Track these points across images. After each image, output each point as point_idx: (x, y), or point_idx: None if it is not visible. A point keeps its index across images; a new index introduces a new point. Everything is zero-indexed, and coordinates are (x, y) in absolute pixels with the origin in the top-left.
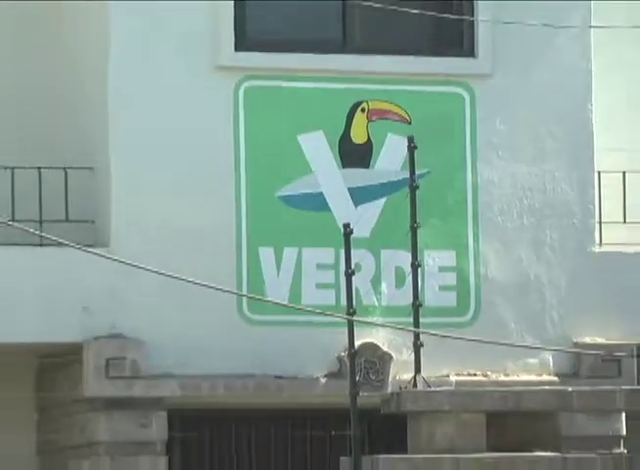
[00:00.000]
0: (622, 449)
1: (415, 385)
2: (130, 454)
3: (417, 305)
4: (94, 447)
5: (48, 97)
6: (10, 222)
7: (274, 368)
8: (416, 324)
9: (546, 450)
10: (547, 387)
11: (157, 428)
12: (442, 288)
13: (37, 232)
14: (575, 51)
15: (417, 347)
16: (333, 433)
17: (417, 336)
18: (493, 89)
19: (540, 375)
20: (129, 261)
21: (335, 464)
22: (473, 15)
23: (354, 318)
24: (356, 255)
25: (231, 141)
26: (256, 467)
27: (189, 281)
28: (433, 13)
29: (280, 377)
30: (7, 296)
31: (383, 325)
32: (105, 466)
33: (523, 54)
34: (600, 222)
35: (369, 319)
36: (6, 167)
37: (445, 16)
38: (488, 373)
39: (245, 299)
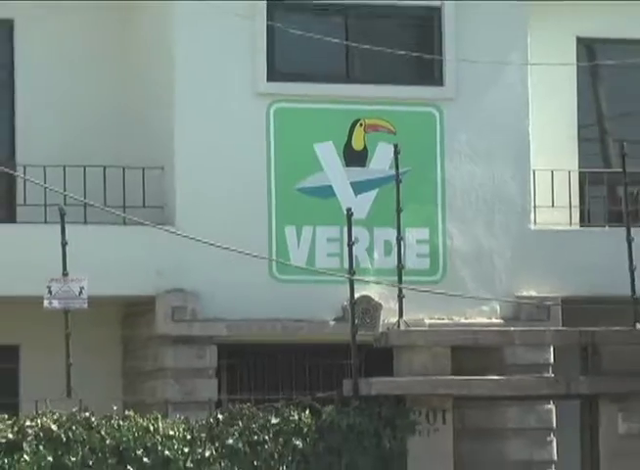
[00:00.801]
0: (550, 373)
1: (399, 326)
2: (189, 377)
3: (400, 268)
4: (163, 372)
5: (131, 115)
6: (103, 207)
7: (295, 314)
8: (399, 281)
9: (494, 375)
10: (495, 327)
11: (209, 358)
12: (419, 255)
13: (123, 215)
14: (517, 81)
15: (400, 298)
16: (339, 362)
17: (400, 290)
18: (456, 109)
19: (490, 319)
20: (190, 236)
21: (339, 385)
22: (441, 55)
23: (354, 277)
24: (355, 231)
25: (264, 148)
26: (281, 387)
27: (233, 250)
28: (413, 53)
29: (299, 320)
30: (101, 262)
31: (375, 282)
32: (171, 387)
33: (478, 83)
34: (534, 207)
35: (365, 278)
36: (99, 166)
37: (421, 55)
38: (453, 317)
39: (274, 263)
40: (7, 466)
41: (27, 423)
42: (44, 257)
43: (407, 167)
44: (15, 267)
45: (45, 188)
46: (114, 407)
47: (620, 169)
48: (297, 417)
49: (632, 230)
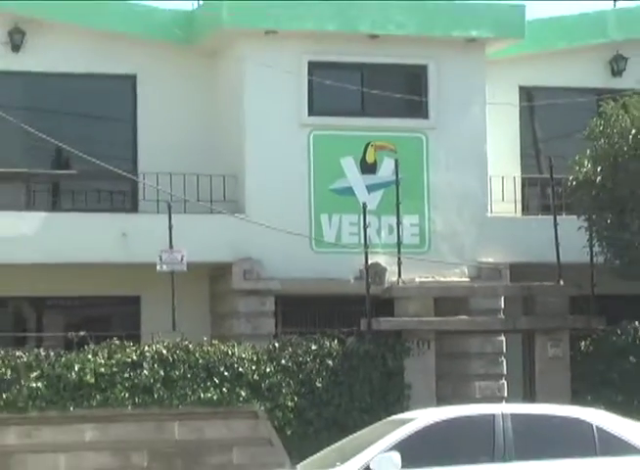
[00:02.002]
0: (501, 315)
1: (398, 283)
2: (255, 318)
3: (399, 243)
4: (237, 314)
5: (216, 139)
6: (197, 201)
7: (326, 275)
8: (399, 252)
9: (463, 316)
10: (464, 284)
11: (268, 304)
12: (412, 235)
13: (210, 207)
14: (479, 116)
15: (399, 264)
16: (357, 308)
17: (399, 258)
18: (437, 135)
19: (461, 278)
20: (255, 221)
21: (358, 323)
22: (427, 97)
23: (368, 250)
24: (368, 218)
25: (306, 161)
26: (318, 324)
27: (284, 231)
28: (408, 96)
29: (330, 279)
30: (196, 239)
31: (382, 253)
32: (243, 324)
33: (452, 117)
34: (491, 202)
35: (375, 250)
36: (195, 173)
37: (413, 97)
38: (435, 277)
39: (313, 240)
40: (133, 378)
41: (146, 348)
42: (157, 235)
43: (403, 175)
44: (137, 243)
45: (157, 189)
46: (205, 338)
47: (549, 176)
48: (328, 345)
49: (557, 218)
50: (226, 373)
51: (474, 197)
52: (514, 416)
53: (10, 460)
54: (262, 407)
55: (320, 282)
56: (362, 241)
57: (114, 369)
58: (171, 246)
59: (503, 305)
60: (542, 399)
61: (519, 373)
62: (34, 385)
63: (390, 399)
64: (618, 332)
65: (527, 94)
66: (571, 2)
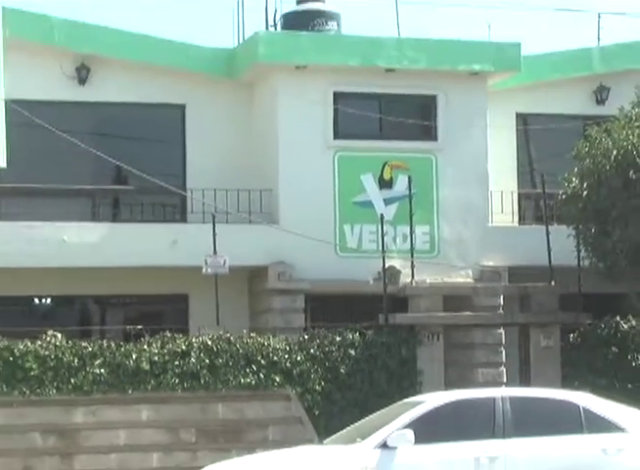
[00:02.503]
0: (501, 311)
1: (411, 284)
2: (288, 313)
3: (412, 249)
4: (272, 310)
5: (254, 158)
6: (238, 213)
7: (349, 276)
8: (412, 257)
9: (468, 312)
10: (468, 285)
11: (299, 302)
12: (423, 242)
13: (249, 217)
14: (481, 138)
15: (412, 267)
16: (376, 304)
17: (412, 262)
18: (445, 155)
19: (465, 279)
20: (288, 231)
21: (376, 318)
22: (436, 123)
23: (385, 255)
24: (385, 227)
25: (331, 178)
26: (342, 319)
27: (313, 239)
28: (419, 122)
29: (352, 280)
30: (237, 245)
31: (397, 257)
32: (277, 318)
33: (457, 140)
34: (491, 213)
35: (391, 255)
36: (235, 189)
37: (423, 122)
38: (443, 279)
39: (337, 246)
40: (182, 365)
41: (194, 340)
42: (203, 242)
43: (415, 190)
44: (186, 249)
45: (203, 202)
46: (244, 331)
47: (542, 191)
48: (351, 337)
49: (549, 227)
50: (263, 361)
51: (476, 209)
52: (512, 399)
53: (77, 436)
54: (294, 391)
55: (343, 283)
56: (380, 247)
57: (166, 358)
58: (215, 251)
59: (502, 303)
60: (536, 384)
61: (516, 361)
62: (98, 371)
63: (405, 383)
64: (602, 326)
65: (523, 120)
66: (561, 39)
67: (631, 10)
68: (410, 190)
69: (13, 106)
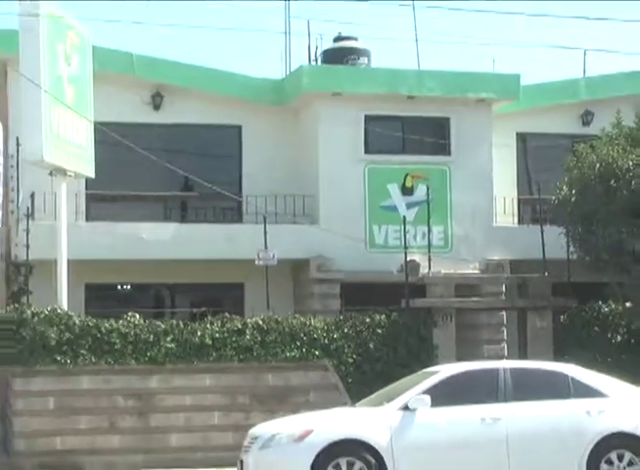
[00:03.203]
0: (503, 297)
1: (428, 274)
2: (326, 299)
3: (429, 245)
4: (312, 296)
5: (299, 170)
6: (284, 214)
7: (377, 268)
8: (429, 252)
9: (476, 298)
10: (476, 275)
11: (336, 289)
12: (439, 239)
13: (293, 219)
14: (486, 153)
15: (429, 260)
16: (399, 291)
17: (429, 256)
18: (457, 167)
19: (474, 271)
20: (327, 230)
21: (399, 302)
22: (450, 140)
23: (406, 250)
24: (407, 227)
25: (362, 187)
26: (370, 303)
27: (349, 237)
28: (436, 139)
29: (379, 272)
30: (284, 242)
31: (417, 252)
32: (316, 303)
33: (467, 154)
34: (495, 215)
35: (412, 250)
36: (283, 195)
37: (439, 141)
38: (455, 270)
39: (368, 243)
40: (238, 341)
41: (248, 320)
42: (256, 239)
43: (432, 196)
44: (242, 244)
45: (256, 206)
46: (289, 313)
47: (537, 197)
48: (378, 318)
49: (544, 227)
50: (305, 338)
51: (483, 212)
52: (512, 369)
53: (152, 399)
54: (331, 363)
55: (372, 273)
56: (402, 244)
57: (225, 335)
58: (266, 247)
59: (504, 290)
60: (532, 358)
61: (515, 339)
62: (169, 345)
63: (422, 357)
64: (587, 309)
65: (522, 138)
66: (554, 71)
67: (612, 47)
68: (428, 196)
69: (100, 127)
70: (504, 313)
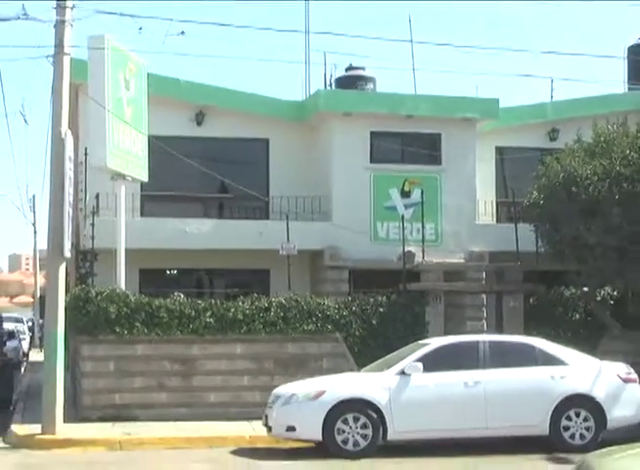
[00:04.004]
0: (483, 282)
1: (422, 263)
2: (336, 283)
3: (423, 239)
4: (325, 281)
5: (315, 177)
6: (303, 212)
7: (379, 257)
8: (422, 244)
9: (461, 282)
10: (461, 264)
11: (345, 275)
12: (430, 234)
13: (311, 216)
14: (471, 164)
15: (423, 251)
16: (397, 277)
17: (423, 248)
18: (447, 175)
19: (459, 260)
20: (339, 225)
21: (397, 286)
22: (441, 152)
23: (404, 243)
24: (405, 224)
25: (368, 190)
26: (373, 286)
27: (357, 232)
28: (429, 152)
29: (381, 260)
30: (304, 235)
31: (413, 245)
32: (330, 286)
33: (456, 164)
34: (477, 214)
35: (409, 243)
36: (302, 196)
37: (432, 152)
38: (444, 260)
39: (372, 236)
40: (265, 317)
41: (273, 300)
42: (280, 233)
43: (425, 199)
44: (268, 237)
45: (280, 205)
46: (307, 293)
47: (512, 200)
48: (380, 299)
49: (517, 225)
50: (319, 315)
51: (467, 212)
52: (490, 342)
53: (194, 363)
54: (340, 335)
55: (376, 262)
56: (401, 237)
57: (254, 311)
58: (288, 240)
59: (484, 276)
60: (506, 332)
61: (493, 317)
62: (208, 320)
63: (416, 331)
64: (552, 292)
65: (500, 151)
66: (526, 95)
67: (575, 76)
68: (422, 198)
69: (153, 140)
70: (484, 296)
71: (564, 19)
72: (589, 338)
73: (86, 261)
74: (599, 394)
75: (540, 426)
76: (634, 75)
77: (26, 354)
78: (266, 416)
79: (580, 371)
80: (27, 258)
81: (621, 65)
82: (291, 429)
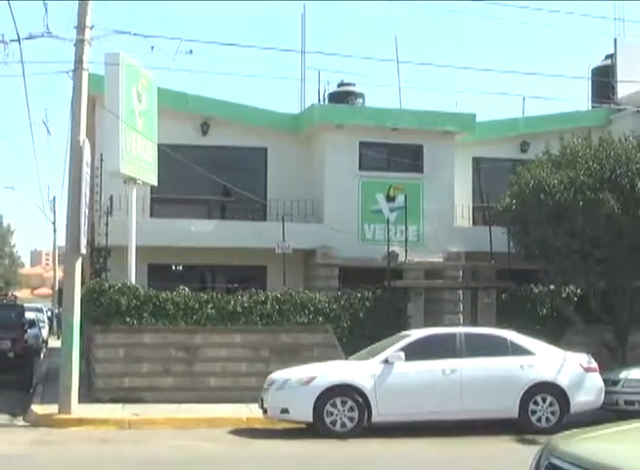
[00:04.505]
0: (460, 280)
1: (405, 262)
2: (327, 279)
3: (406, 240)
4: (318, 277)
5: (309, 183)
6: (298, 214)
7: (366, 256)
8: (406, 245)
9: (440, 280)
10: (440, 263)
11: (335, 272)
12: (413, 235)
13: (304, 218)
14: (449, 173)
15: (405, 251)
16: (382, 275)
17: (406, 249)
18: (428, 182)
19: (439, 259)
20: (330, 227)
21: (382, 282)
22: (423, 162)
23: (389, 243)
24: (390, 226)
25: (357, 195)
26: (360, 283)
27: (346, 233)
28: (412, 161)
29: (368, 259)
30: (297, 235)
31: (397, 245)
32: (321, 282)
33: (437, 172)
34: (455, 217)
35: (393, 243)
36: (296, 200)
37: (415, 162)
38: (425, 259)
39: (359, 236)
40: (261, 309)
41: (269, 294)
42: (276, 233)
43: (409, 203)
44: (266, 237)
45: (277, 208)
46: (301, 289)
47: (487, 205)
48: (367, 294)
49: (491, 228)
50: (311, 308)
51: (446, 215)
52: (466, 334)
53: (196, 351)
54: (330, 327)
55: (363, 260)
56: (386, 238)
57: (252, 304)
58: (284, 239)
59: (461, 274)
60: (481, 325)
61: (468, 311)
62: (210, 311)
63: (399, 324)
64: (522, 289)
65: (476, 161)
66: (501, 111)
67: (545, 94)
68: (406, 203)
69: (162, 148)
70: (460, 292)
71: (537, 42)
72: (555, 331)
73: (100, 257)
74: (563, 381)
75: (510, 410)
76: (597, 94)
77: (46, 341)
78: (262, 400)
79: (547, 361)
80: (47, 254)
81: (586, 85)
82: (284, 411)
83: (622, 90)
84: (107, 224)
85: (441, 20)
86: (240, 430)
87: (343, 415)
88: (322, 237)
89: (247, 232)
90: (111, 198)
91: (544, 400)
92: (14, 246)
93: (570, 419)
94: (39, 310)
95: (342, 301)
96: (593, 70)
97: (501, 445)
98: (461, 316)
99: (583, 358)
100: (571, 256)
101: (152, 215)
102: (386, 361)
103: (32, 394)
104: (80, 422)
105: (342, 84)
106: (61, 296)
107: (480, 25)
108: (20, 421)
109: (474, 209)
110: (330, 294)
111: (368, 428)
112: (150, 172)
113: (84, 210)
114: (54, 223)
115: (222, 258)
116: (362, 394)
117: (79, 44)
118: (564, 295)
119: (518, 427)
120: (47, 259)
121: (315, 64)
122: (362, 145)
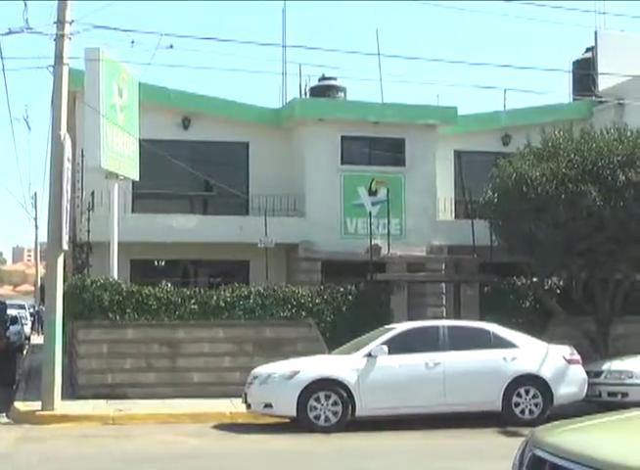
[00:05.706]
0: (443, 273)
1: (388, 255)
2: (310, 273)
3: (388, 233)
4: (300, 271)
5: (290, 177)
6: (280, 209)
7: (348, 250)
8: (388, 238)
9: (423, 273)
10: (423, 256)
11: (318, 266)
12: (395, 229)
13: (287, 213)
14: (430, 167)
15: (388, 244)
16: (365, 268)
17: (388, 242)
18: (410, 175)
19: (422, 253)
20: (312, 221)
21: (365, 276)
22: (405, 155)
23: (371, 237)
24: (372, 220)
25: (339, 189)
26: (343, 277)
27: (328, 227)
28: (395, 154)
29: (350, 253)
30: (279, 229)
31: (379, 238)
32: (304, 276)
33: (419, 166)
34: (438, 211)
35: (375, 237)
36: (279, 195)
37: (397, 154)
38: (408, 253)
39: (342, 230)
40: (244, 304)
41: (252, 289)
42: (259, 228)
43: (391, 197)
44: (248, 231)
45: (259, 203)
46: (283, 283)
47: (469, 198)
48: (349, 288)
49: (474, 221)
50: (294, 302)
51: (428, 209)
52: (449, 326)
53: (179, 346)
54: (313, 321)
55: (345, 254)
56: (368, 232)
57: (235, 299)
58: (266, 233)
59: (444, 267)
60: (464, 318)
61: (451, 304)
62: (192, 307)
63: (382, 317)
64: (504, 282)
65: (458, 155)
66: (482, 104)
67: (527, 87)
68: (388, 197)
69: (143, 142)
70: (443, 285)
71: (520, 35)
72: (537, 323)
73: (82, 253)
74: (546, 373)
75: (494, 403)
76: (578, 87)
77: (28, 338)
78: (245, 394)
79: (530, 353)
80: (29, 251)
81: (567, 78)
82: (268, 406)
83: (603, 83)
84: (88, 220)
85: (425, 13)
86: (224, 425)
87: (327, 409)
88: (304, 231)
89: (229, 227)
90: (92, 193)
91: (527, 393)
92: None
93: (553, 411)
94: (22, 307)
95: (325, 295)
96: (574, 63)
97: (485, 437)
98: (444, 309)
99: (566, 350)
100: (553, 248)
101: (134, 211)
102: (369, 355)
103: (15, 391)
104: (64, 418)
105: (323, 78)
106: (43, 292)
107: (464, 19)
108: (2, 418)
109: (456, 202)
110: (313, 288)
111: (353, 422)
112: (131, 167)
113: (66, 205)
114: (35, 219)
115: (205, 253)
116: (346, 388)
117: (59, 39)
118: (546, 287)
119: (502, 419)
120: (29, 256)
121: (298, 58)
122: (344, 139)
